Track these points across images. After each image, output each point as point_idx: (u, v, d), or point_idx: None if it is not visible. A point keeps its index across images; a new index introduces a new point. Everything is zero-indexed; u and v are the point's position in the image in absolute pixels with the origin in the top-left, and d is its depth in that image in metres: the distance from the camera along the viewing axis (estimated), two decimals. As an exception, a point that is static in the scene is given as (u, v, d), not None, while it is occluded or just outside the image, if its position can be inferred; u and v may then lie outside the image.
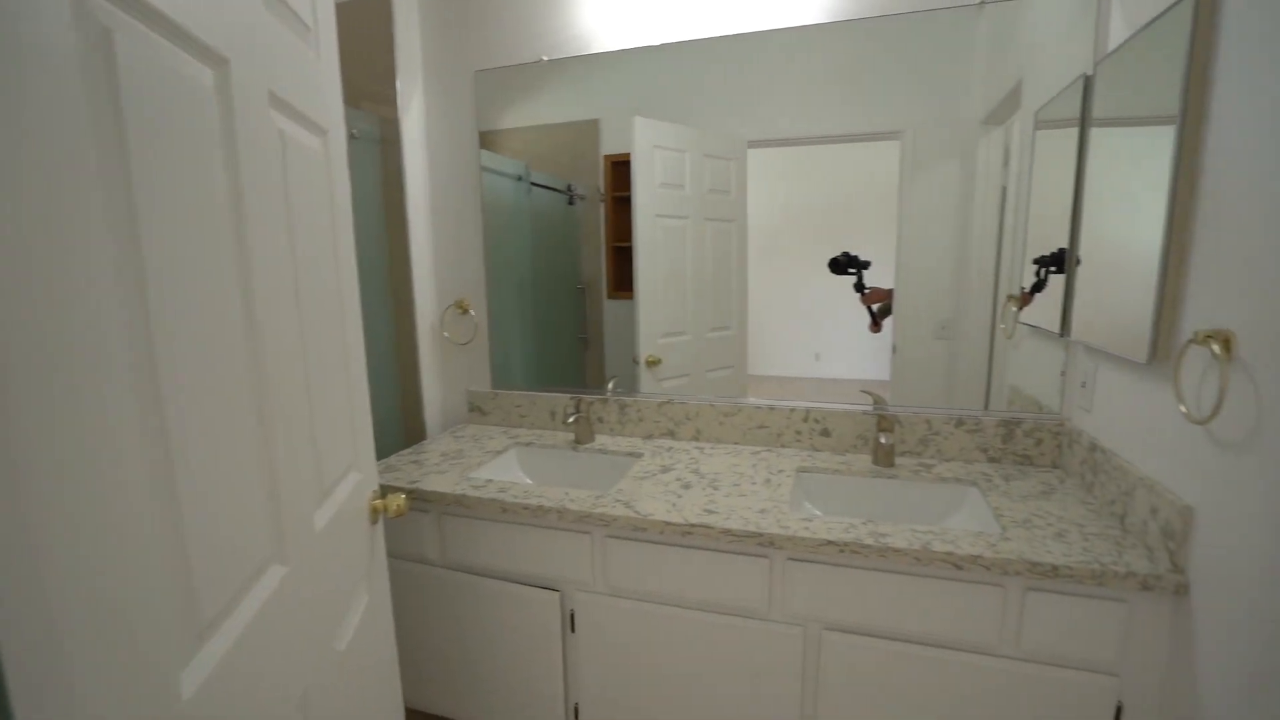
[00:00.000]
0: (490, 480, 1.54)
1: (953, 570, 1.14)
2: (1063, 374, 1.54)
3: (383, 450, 1.80)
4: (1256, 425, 0.86)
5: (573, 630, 1.45)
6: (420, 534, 1.55)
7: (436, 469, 1.63)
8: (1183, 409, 0.98)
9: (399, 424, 2.00)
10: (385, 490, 1.46)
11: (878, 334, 1.74)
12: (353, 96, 1.82)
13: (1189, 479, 1.03)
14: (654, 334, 1.87)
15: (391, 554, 1.52)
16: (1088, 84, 1.36)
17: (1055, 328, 1.45)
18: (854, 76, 1.62)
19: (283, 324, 0.77)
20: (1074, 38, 1.42)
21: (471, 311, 2.01)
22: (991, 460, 1.60)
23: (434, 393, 2.05)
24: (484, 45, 1.89)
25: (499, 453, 1.78)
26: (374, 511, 1.10)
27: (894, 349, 1.71)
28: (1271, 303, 0.84)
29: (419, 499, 1.50)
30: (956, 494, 1.47)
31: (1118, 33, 1.32)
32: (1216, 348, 0.91)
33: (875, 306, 1.73)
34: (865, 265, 1.72)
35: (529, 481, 1.78)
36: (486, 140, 1.94)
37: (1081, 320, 1.36)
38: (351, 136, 1.71)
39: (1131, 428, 1.23)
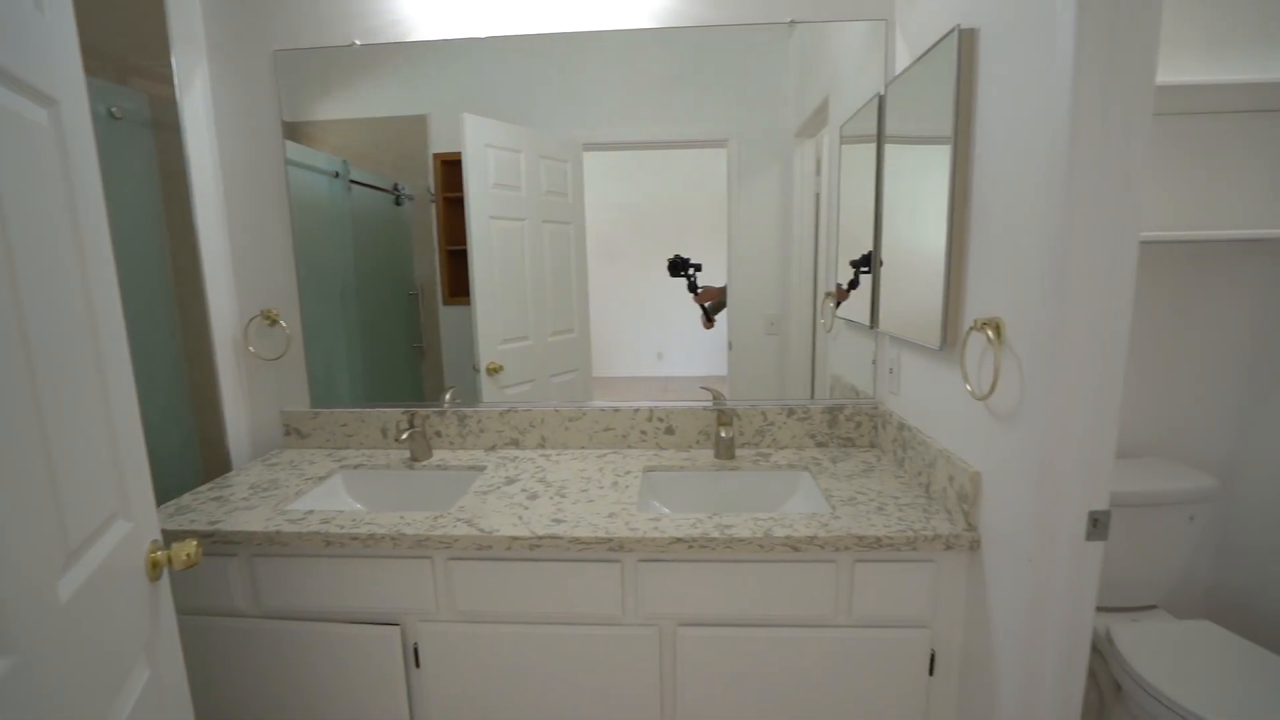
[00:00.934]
0: (312, 511, 1.37)
1: (791, 552, 1.21)
2: (874, 362, 1.71)
3: (175, 489, 1.54)
4: (1020, 398, 1.01)
5: (417, 665, 1.32)
6: (227, 582, 1.33)
7: (244, 504, 1.41)
8: (968, 387, 1.13)
9: (195, 456, 1.71)
10: (170, 537, 1.23)
11: (711, 330, 1.82)
12: (114, 70, 1.53)
13: (976, 448, 1.18)
14: (494, 340, 1.79)
15: (188, 612, 1.28)
16: (881, 104, 1.52)
17: (866, 321, 1.60)
18: (682, 85, 1.67)
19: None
20: (869, 60, 1.58)
21: (282, 323, 1.78)
22: (819, 445, 1.73)
23: (239, 416, 1.78)
24: (284, 21, 1.67)
25: (322, 479, 1.59)
26: (154, 566, 0.91)
27: (730, 345, 1.79)
28: (1025, 296, 0.98)
29: (221, 542, 1.29)
30: (791, 480, 1.57)
31: (902, 58, 1.49)
32: (990, 333, 1.05)
33: (708, 304, 1.81)
34: (698, 267, 1.79)
35: (359, 508, 1.61)
36: (297, 132, 1.72)
37: (887, 313, 1.52)
38: (111, 116, 1.43)
39: (931, 406, 1.39)
